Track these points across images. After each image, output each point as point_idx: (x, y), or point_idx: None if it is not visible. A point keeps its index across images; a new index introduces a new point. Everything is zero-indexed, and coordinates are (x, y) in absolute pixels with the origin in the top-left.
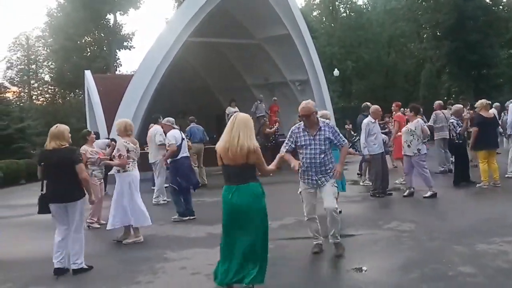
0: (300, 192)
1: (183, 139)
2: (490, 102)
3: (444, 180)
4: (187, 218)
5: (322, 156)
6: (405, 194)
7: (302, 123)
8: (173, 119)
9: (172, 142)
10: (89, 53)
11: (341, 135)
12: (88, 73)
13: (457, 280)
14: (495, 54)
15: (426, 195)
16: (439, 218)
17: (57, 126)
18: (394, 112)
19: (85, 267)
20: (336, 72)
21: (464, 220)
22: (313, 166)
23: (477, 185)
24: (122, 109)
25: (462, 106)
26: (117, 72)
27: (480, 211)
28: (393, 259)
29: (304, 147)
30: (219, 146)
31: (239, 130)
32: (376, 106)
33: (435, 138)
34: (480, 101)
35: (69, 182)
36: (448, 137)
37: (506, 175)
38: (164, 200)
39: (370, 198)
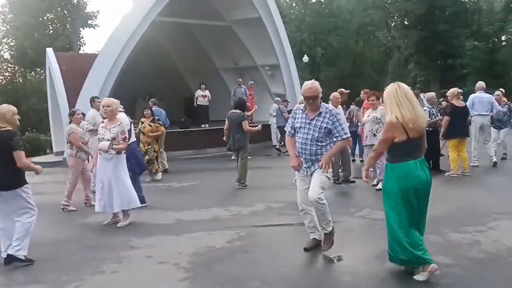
0: (296, 179)
1: (131, 122)
2: (461, 91)
3: None
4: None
5: (315, 144)
6: (379, 187)
7: (302, 105)
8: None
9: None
10: (51, 31)
11: (344, 126)
12: (50, 51)
13: None
14: (461, 44)
15: (380, 187)
16: None
17: None
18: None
19: (22, 257)
20: (305, 58)
21: (435, 209)
22: (304, 152)
23: (446, 173)
24: (86, 90)
25: (434, 93)
26: (80, 51)
27: (451, 200)
28: (369, 247)
29: (298, 130)
30: (406, 120)
31: (414, 101)
32: (336, 93)
33: None
34: (451, 90)
35: (6, 169)
36: None
37: (472, 164)
38: None
39: (337, 186)
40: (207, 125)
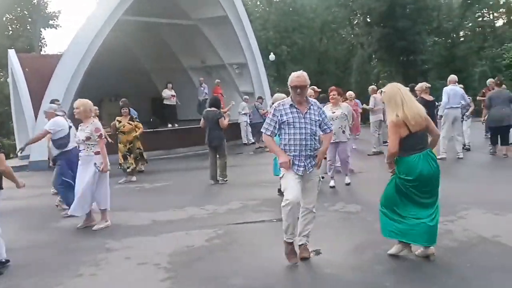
0: (281, 177)
1: (70, 127)
2: (429, 85)
3: (381, 161)
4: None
5: (313, 138)
6: (347, 181)
7: (286, 99)
8: (56, 106)
9: (51, 128)
10: (11, 32)
11: (328, 119)
12: (12, 53)
13: (408, 259)
14: (422, 41)
15: (348, 182)
16: None
17: None
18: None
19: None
20: (271, 56)
21: None
22: (304, 149)
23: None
24: (51, 92)
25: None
26: (42, 52)
27: None
28: (346, 240)
29: (292, 126)
30: (407, 116)
31: (412, 99)
32: (310, 91)
33: (371, 121)
34: (420, 85)
35: None
36: (383, 119)
37: (439, 156)
38: None
39: None
40: (176, 125)
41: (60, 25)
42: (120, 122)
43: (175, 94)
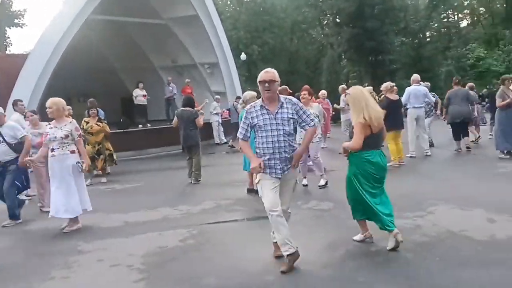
0: (258, 182)
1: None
2: (394, 84)
3: None
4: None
5: (287, 139)
6: (321, 183)
7: (258, 101)
8: (2, 110)
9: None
10: None
11: (308, 113)
12: None
13: (380, 255)
14: (390, 41)
15: (321, 184)
16: None
17: None
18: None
19: None
20: (243, 56)
21: None
22: (277, 151)
23: (387, 164)
24: (17, 92)
25: (371, 87)
26: (7, 52)
27: (391, 189)
28: (319, 238)
29: (264, 128)
30: (372, 118)
31: (373, 101)
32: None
33: (342, 120)
34: (384, 85)
35: None
36: None
37: (408, 155)
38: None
39: None
40: (149, 125)
41: (26, 24)
42: (88, 123)
43: (146, 94)
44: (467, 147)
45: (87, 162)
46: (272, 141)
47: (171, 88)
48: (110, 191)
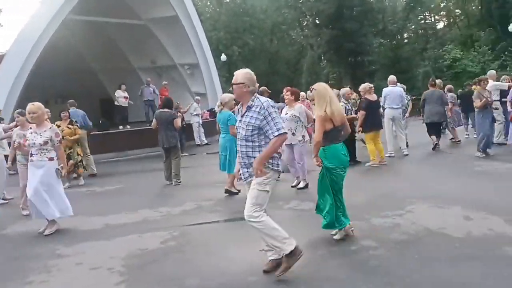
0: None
1: None
2: (372, 85)
3: None
4: None
5: (245, 144)
6: (300, 186)
7: None
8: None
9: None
10: None
11: (277, 121)
12: None
13: (360, 254)
14: (369, 42)
15: (301, 186)
16: None
17: None
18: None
19: None
20: (223, 57)
21: (358, 197)
22: (239, 156)
23: (366, 164)
24: None
25: (349, 88)
26: None
27: (371, 188)
28: (300, 237)
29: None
30: (334, 112)
31: (335, 98)
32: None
33: None
34: (363, 85)
35: None
36: None
37: (387, 154)
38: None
39: None
40: (128, 126)
41: (1, 24)
42: (59, 126)
43: (128, 96)
44: (437, 144)
45: (65, 167)
46: (236, 144)
47: (151, 89)
48: (90, 194)
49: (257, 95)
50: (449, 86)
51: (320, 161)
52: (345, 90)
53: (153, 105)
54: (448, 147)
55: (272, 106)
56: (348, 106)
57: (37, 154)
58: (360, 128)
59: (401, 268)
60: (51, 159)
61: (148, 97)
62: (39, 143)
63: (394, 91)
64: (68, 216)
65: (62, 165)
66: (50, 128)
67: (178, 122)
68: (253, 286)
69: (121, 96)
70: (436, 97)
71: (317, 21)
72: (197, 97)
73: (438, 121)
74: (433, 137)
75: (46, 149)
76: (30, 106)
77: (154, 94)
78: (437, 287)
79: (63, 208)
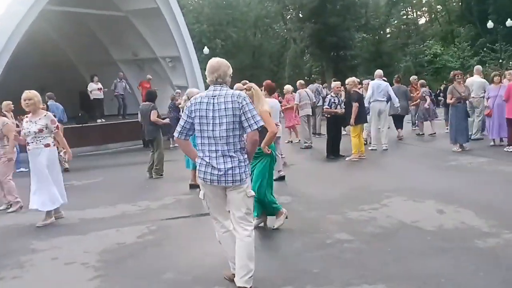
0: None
1: None
2: (359, 80)
3: (313, 154)
4: None
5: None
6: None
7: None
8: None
9: None
10: None
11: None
12: None
13: (335, 247)
14: (351, 37)
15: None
16: (314, 189)
17: None
18: None
19: None
20: (206, 50)
21: (336, 191)
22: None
23: (347, 158)
24: None
25: (339, 82)
26: None
27: (349, 182)
28: (277, 231)
29: None
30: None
31: None
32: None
33: (300, 115)
34: (351, 79)
35: None
36: (311, 114)
37: (370, 148)
38: None
39: None
40: (103, 120)
41: None
42: None
43: (102, 87)
44: (401, 137)
45: (69, 152)
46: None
47: (124, 83)
48: (68, 188)
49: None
50: (421, 81)
51: (270, 150)
52: (335, 83)
53: (124, 99)
54: (427, 142)
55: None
56: (334, 100)
57: (32, 142)
58: (353, 121)
59: (375, 261)
60: (47, 145)
61: (120, 91)
62: (34, 131)
63: (380, 85)
64: (65, 203)
65: (65, 150)
66: (45, 115)
67: (154, 115)
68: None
69: (94, 89)
70: (401, 93)
71: (300, 14)
72: (177, 90)
73: (401, 114)
74: (399, 130)
75: (42, 137)
76: (26, 93)
77: (126, 90)
78: (408, 279)
79: (62, 195)
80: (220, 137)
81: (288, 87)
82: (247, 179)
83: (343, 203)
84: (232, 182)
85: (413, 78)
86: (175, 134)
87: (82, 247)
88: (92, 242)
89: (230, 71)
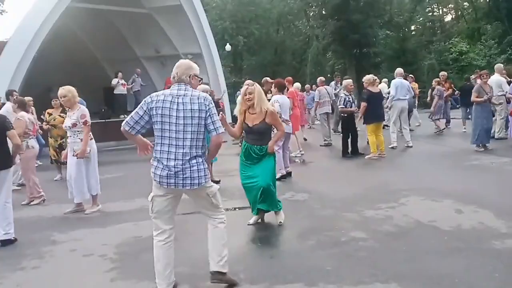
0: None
1: None
2: (376, 77)
3: (332, 152)
4: None
5: None
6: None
7: None
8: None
9: None
10: None
11: None
12: None
13: (350, 245)
14: (374, 34)
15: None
16: (330, 188)
17: None
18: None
19: (13, 238)
20: (228, 47)
21: (352, 189)
22: None
23: (366, 156)
24: None
25: (351, 80)
26: None
27: (367, 181)
28: (291, 228)
29: None
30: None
31: None
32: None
33: (319, 113)
34: (367, 77)
35: (2, 149)
36: (330, 111)
37: (390, 146)
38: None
39: None
40: (126, 116)
41: (5, 10)
42: (50, 114)
43: (125, 82)
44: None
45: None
46: None
47: (140, 80)
48: None
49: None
50: (437, 79)
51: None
52: (347, 81)
53: (138, 98)
54: (447, 141)
55: None
56: (349, 98)
57: (70, 136)
58: (359, 119)
59: (388, 259)
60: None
61: (137, 88)
62: (69, 126)
63: (402, 83)
64: (94, 195)
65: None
66: (78, 109)
67: None
68: (242, 274)
69: (119, 84)
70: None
71: (323, 11)
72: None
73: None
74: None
75: (78, 131)
76: (60, 90)
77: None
78: (421, 278)
79: (93, 187)
80: (183, 138)
81: (296, 85)
82: (208, 180)
83: (360, 201)
84: (193, 185)
85: (442, 74)
86: (123, 124)
87: (101, 240)
88: (110, 235)
89: (192, 71)
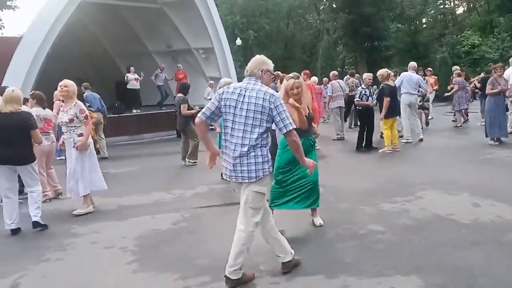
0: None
1: None
2: (390, 71)
3: (345, 146)
4: None
5: None
6: None
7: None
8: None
9: None
10: None
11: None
12: None
13: (368, 238)
14: (386, 27)
15: None
16: (346, 181)
17: (13, 90)
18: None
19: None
20: (238, 41)
21: (368, 183)
22: None
23: (380, 150)
24: (9, 76)
25: (371, 74)
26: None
27: (383, 174)
28: (309, 221)
29: None
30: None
31: None
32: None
33: (332, 107)
34: (381, 72)
35: (24, 146)
36: (343, 105)
37: (404, 140)
38: None
39: None
40: (138, 110)
41: (18, 6)
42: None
43: (138, 77)
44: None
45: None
46: None
47: (164, 76)
48: (105, 176)
49: None
50: (458, 71)
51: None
52: (367, 75)
53: (162, 91)
54: (462, 134)
55: None
56: (365, 92)
57: (66, 132)
58: (384, 116)
59: (407, 252)
60: (80, 135)
61: (160, 83)
62: (65, 121)
63: (411, 77)
64: (104, 188)
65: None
66: (75, 105)
67: (184, 108)
68: (261, 266)
69: (131, 79)
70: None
71: (334, 5)
72: (210, 81)
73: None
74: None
75: (74, 126)
76: (64, 81)
77: (165, 81)
78: (441, 270)
79: (96, 182)
80: (244, 130)
81: (313, 79)
82: (263, 176)
83: (376, 195)
84: (248, 178)
85: (455, 68)
86: (200, 115)
87: (120, 232)
88: (129, 228)
89: (265, 66)
